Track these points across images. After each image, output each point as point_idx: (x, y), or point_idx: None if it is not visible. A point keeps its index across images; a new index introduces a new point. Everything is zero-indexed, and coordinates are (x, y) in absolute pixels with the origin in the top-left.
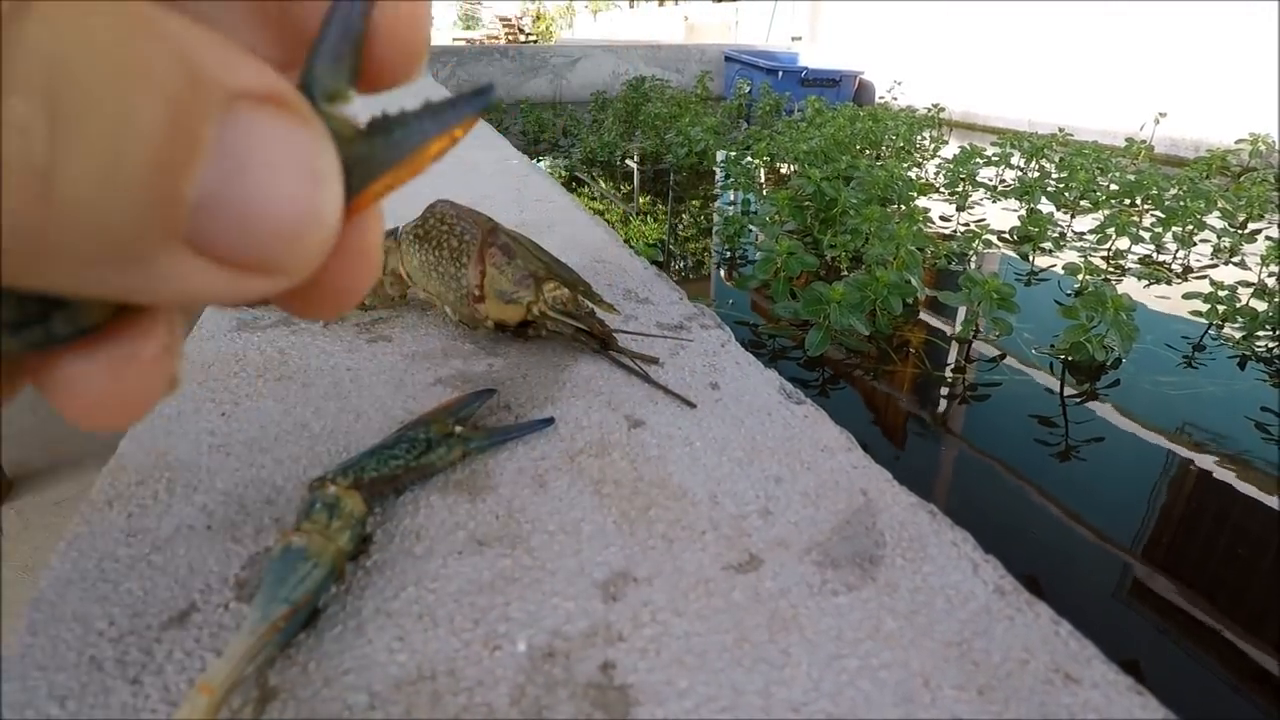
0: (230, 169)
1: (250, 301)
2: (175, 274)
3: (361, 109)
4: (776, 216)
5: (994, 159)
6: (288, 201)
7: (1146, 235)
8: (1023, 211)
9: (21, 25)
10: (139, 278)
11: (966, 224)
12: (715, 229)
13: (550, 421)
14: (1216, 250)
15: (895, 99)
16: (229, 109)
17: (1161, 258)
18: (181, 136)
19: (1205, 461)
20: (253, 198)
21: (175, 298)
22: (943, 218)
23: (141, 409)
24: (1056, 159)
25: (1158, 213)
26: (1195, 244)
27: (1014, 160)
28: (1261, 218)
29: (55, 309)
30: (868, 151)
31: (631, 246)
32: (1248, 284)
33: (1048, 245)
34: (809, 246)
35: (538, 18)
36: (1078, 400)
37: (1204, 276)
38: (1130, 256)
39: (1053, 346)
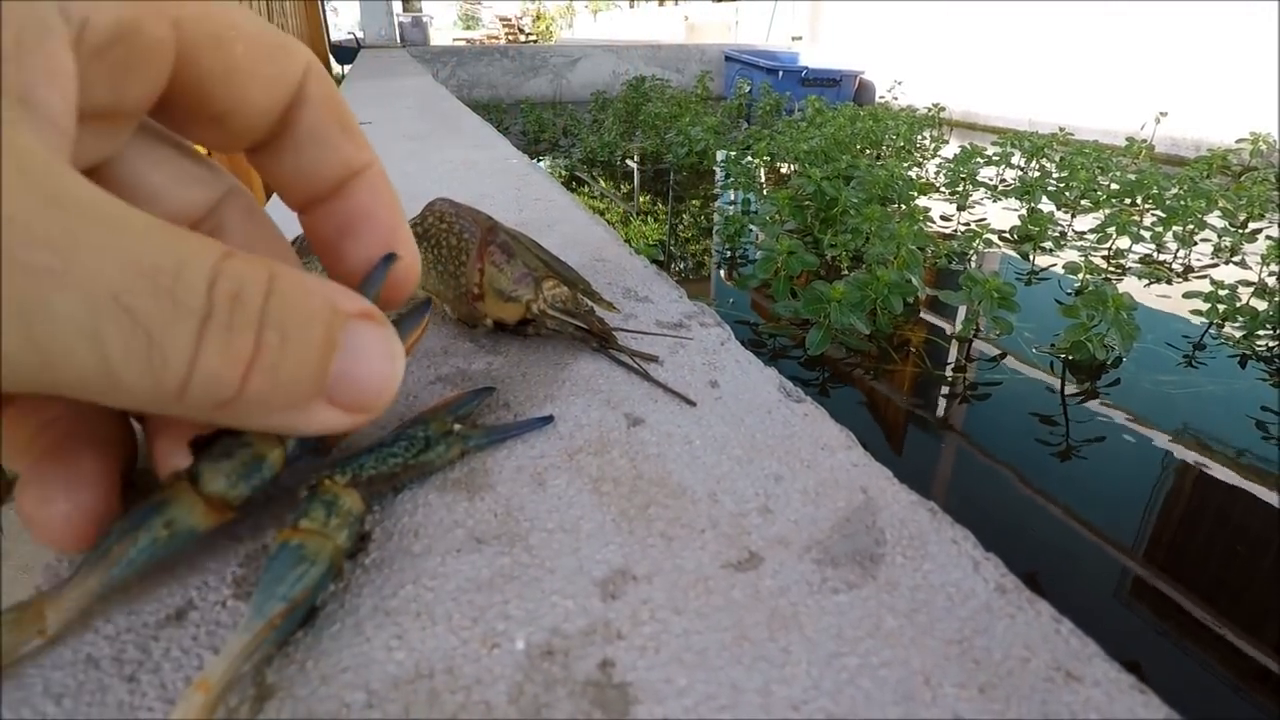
0: (349, 356)
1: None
2: (317, 416)
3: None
4: (777, 216)
5: (994, 158)
6: (379, 373)
7: (1147, 235)
8: (1023, 211)
9: (269, 298)
10: (298, 420)
11: (967, 223)
12: (715, 228)
13: (549, 419)
14: (1217, 250)
15: (895, 99)
16: (347, 324)
17: (1162, 257)
18: (330, 343)
19: (1205, 460)
20: (361, 372)
21: (314, 430)
22: (943, 217)
23: None
24: (1057, 158)
25: (1158, 212)
26: (1196, 243)
27: (1014, 160)
28: (1262, 217)
29: (263, 462)
30: (868, 151)
31: (631, 245)
32: (1248, 283)
33: (1048, 245)
34: (809, 246)
35: (538, 18)
36: (1078, 399)
37: (1204, 276)
38: (1131, 256)
39: (1053, 345)
